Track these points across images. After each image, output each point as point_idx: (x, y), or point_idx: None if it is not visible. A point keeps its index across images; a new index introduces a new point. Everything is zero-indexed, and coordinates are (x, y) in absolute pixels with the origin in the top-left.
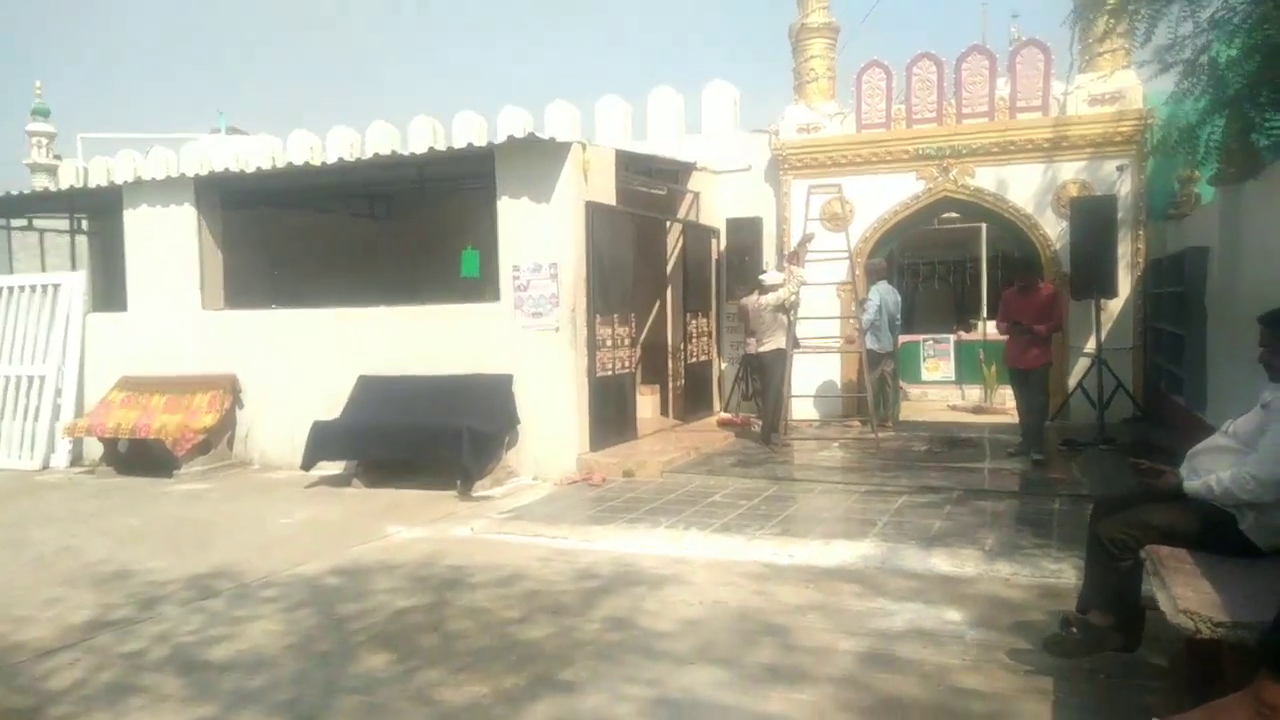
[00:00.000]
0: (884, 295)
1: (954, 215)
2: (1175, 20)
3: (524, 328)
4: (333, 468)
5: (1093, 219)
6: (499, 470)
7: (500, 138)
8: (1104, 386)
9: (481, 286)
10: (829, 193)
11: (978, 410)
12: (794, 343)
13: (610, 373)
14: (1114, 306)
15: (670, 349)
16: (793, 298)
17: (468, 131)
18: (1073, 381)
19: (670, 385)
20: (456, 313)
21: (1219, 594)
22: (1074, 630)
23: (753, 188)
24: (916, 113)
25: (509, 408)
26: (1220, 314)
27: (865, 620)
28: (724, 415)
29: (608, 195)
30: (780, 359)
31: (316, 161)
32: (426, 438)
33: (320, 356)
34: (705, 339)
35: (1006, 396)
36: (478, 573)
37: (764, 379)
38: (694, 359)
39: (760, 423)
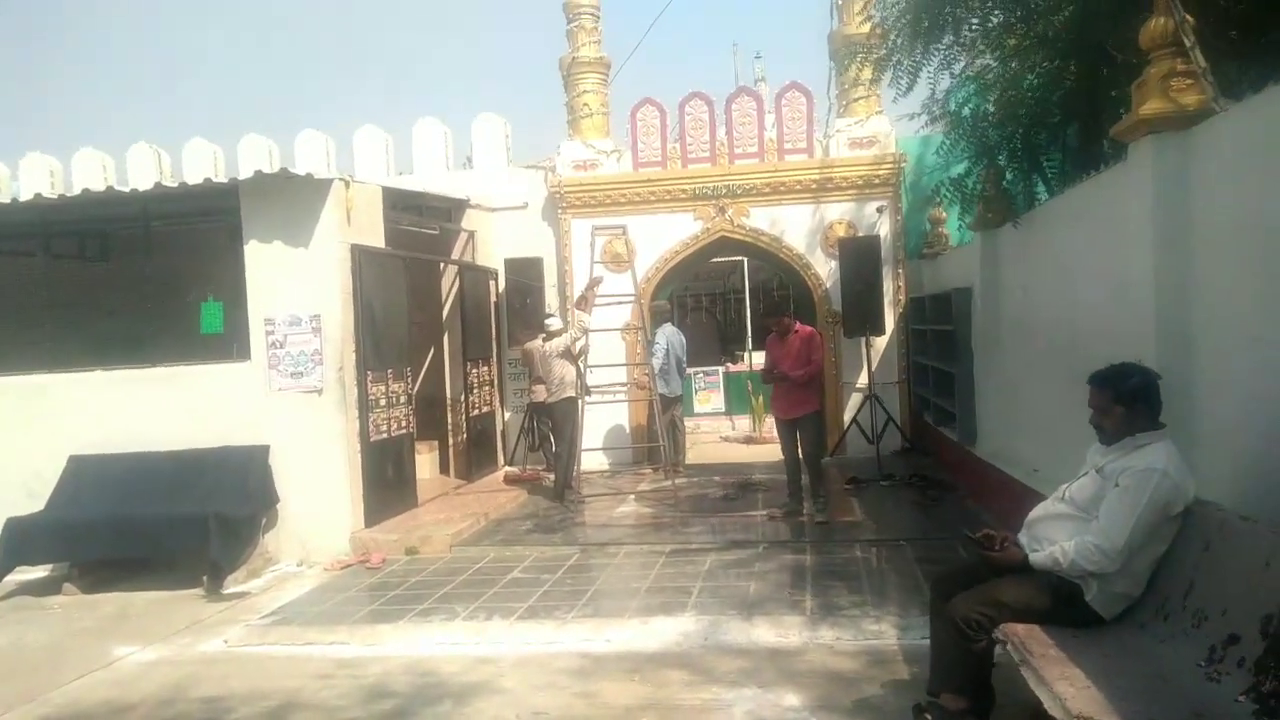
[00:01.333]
0: (670, 338)
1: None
2: (934, 73)
3: (281, 390)
4: (37, 570)
5: (859, 258)
6: (255, 558)
7: (241, 169)
8: (876, 421)
9: (227, 343)
10: (612, 233)
11: (749, 440)
12: (584, 390)
13: (386, 435)
14: (880, 343)
15: (449, 401)
16: (578, 345)
17: (201, 163)
18: (847, 417)
19: (451, 441)
20: (196, 375)
21: (1097, 686)
22: (929, 718)
23: (531, 226)
24: (691, 152)
25: (265, 485)
26: (985, 351)
27: (703, 718)
28: (511, 470)
29: (375, 236)
30: (572, 408)
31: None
32: (162, 528)
33: (15, 434)
34: (487, 388)
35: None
36: (239, 706)
37: (556, 430)
38: (476, 411)
39: (552, 477)
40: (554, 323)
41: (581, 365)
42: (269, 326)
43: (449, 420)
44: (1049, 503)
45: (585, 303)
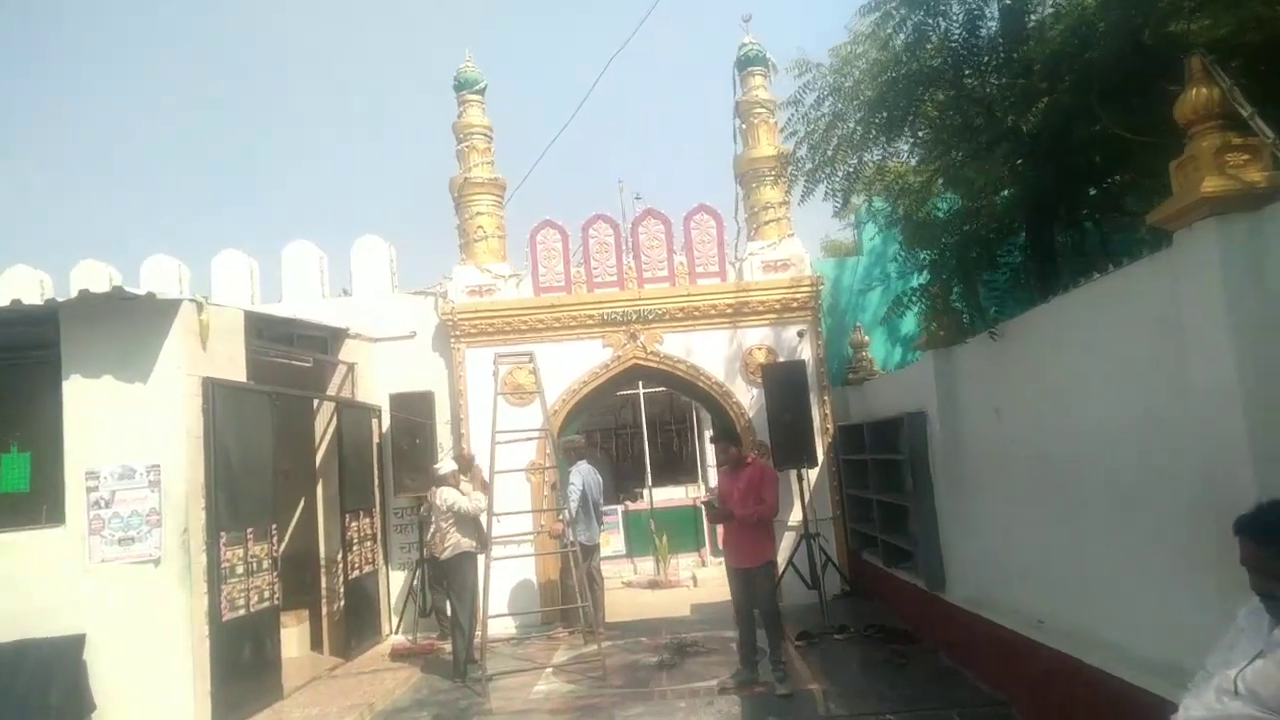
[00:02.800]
0: (586, 477)
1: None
2: (871, 181)
3: (104, 561)
4: None
5: (784, 385)
6: None
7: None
8: (815, 563)
9: (34, 505)
10: (516, 361)
11: (654, 585)
12: (485, 544)
13: (243, 611)
14: (810, 475)
15: (323, 561)
16: (475, 508)
17: (23, 291)
18: (782, 559)
19: (325, 609)
20: None
21: None
22: None
23: (420, 357)
24: (598, 276)
25: (75, 690)
26: (949, 483)
27: None
28: (400, 642)
29: (235, 369)
30: (469, 565)
31: None
32: None
33: None
34: (369, 544)
35: (680, 566)
36: None
37: (454, 593)
38: (356, 571)
39: (449, 648)
40: (445, 466)
41: (483, 518)
42: (91, 481)
43: (322, 584)
44: (1209, 699)
45: (478, 482)
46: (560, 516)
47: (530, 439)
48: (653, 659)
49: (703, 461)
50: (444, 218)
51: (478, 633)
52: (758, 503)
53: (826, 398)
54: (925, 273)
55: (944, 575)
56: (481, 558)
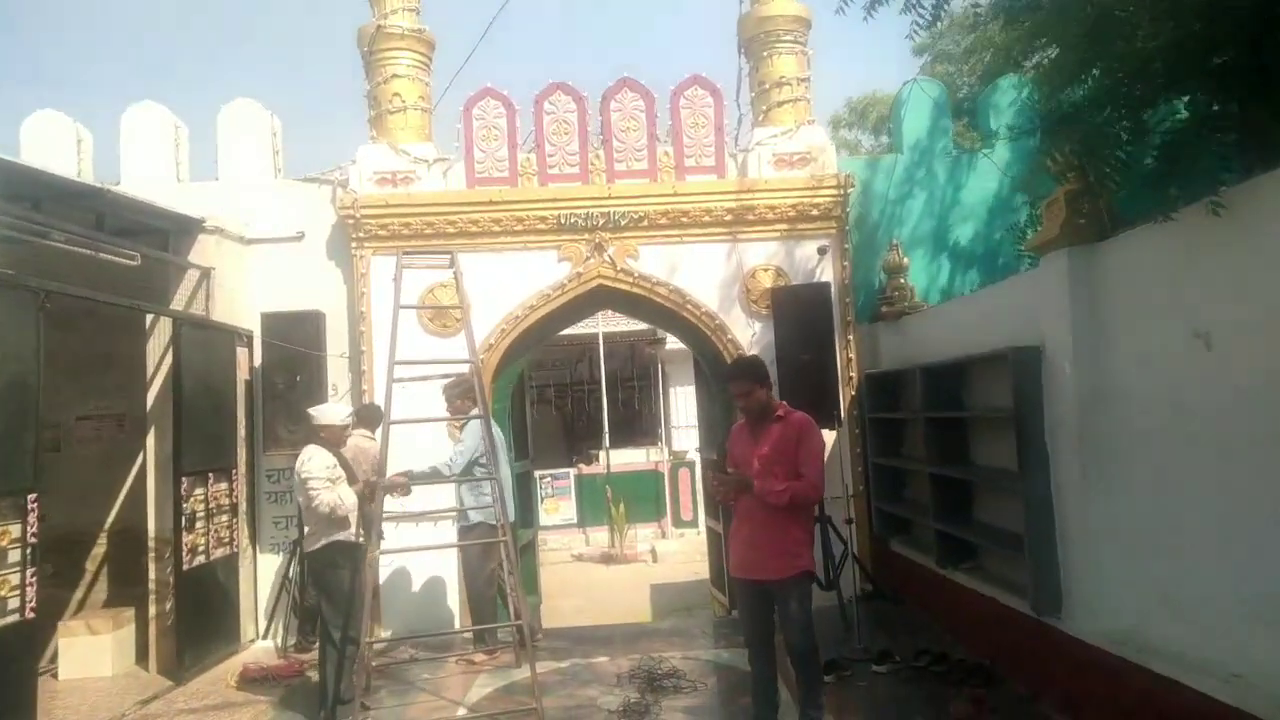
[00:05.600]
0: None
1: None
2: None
3: None
4: None
5: (801, 317)
6: None
7: None
8: (830, 554)
9: None
10: (427, 264)
11: (607, 560)
12: (370, 532)
13: None
14: (828, 439)
15: (151, 542)
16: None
17: None
18: None
19: (152, 609)
20: None
21: None
22: None
23: (308, 267)
24: (554, 166)
25: None
26: (1081, 453)
27: None
28: (251, 662)
29: None
30: (344, 560)
31: None
32: None
33: None
34: (224, 518)
35: (638, 538)
36: None
37: (324, 598)
38: (198, 557)
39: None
40: (327, 413)
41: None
42: None
43: (150, 574)
44: None
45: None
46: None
47: (447, 377)
48: (612, 697)
49: (667, 422)
50: (350, 94)
51: (363, 653)
52: (791, 475)
53: (850, 338)
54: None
55: (1060, 594)
56: (374, 551)
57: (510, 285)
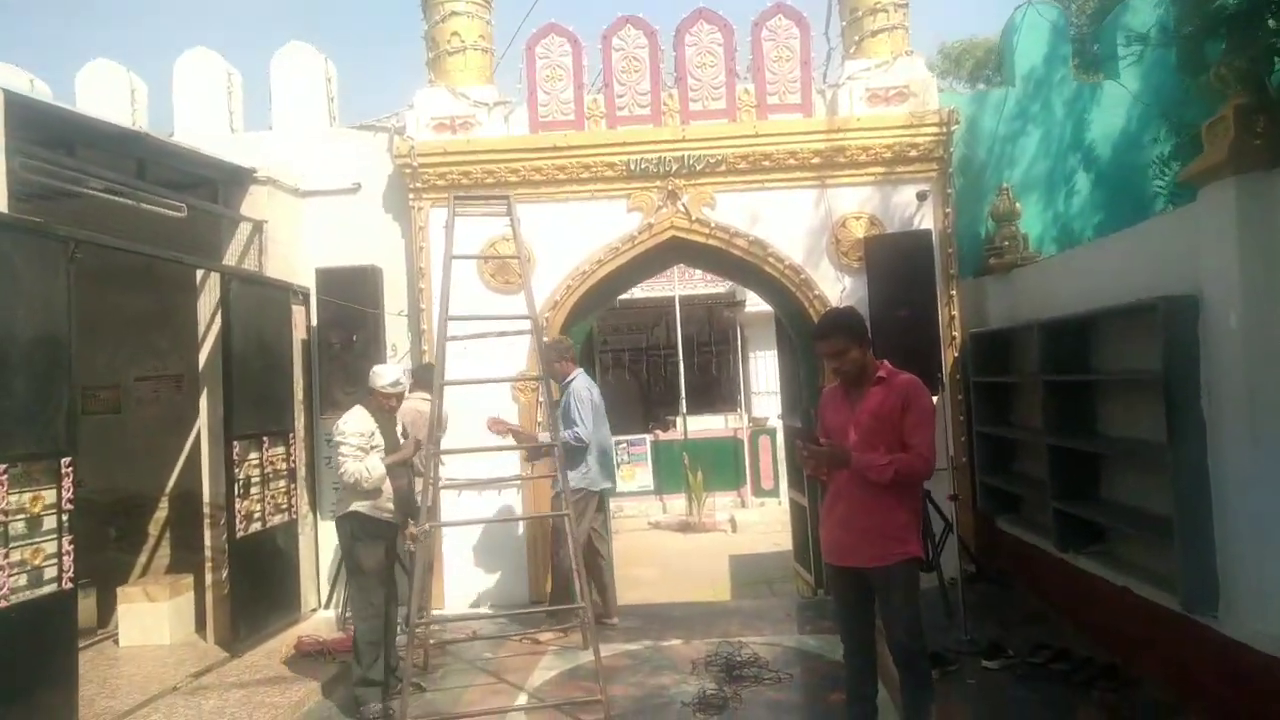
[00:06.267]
0: (593, 392)
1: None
2: None
3: None
4: None
5: (899, 269)
6: None
7: None
8: (930, 532)
9: None
10: (483, 211)
11: (685, 528)
12: (411, 506)
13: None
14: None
15: (206, 509)
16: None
17: None
18: None
19: (209, 578)
20: None
21: None
22: None
23: (365, 220)
24: (623, 108)
25: None
26: (1249, 422)
27: None
28: (308, 634)
29: None
30: (359, 533)
31: None
32: None
33: None
34: (281, 483)
35: (716, 506)
36: None
37: (347, 571)
38: (254, 523)
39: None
40: (377, 374)
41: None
42: None
43: (205, 542)
44: None
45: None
46: (548, 436)
47: (507, 335)
48: (687, 686)
49: (746, 388)
50: (410, 41)
51: (401, 638)
52: (895, 447)
53: (953, 293)
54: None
55: (1216, 587)
56: (415, 530)
57: (577, 238)
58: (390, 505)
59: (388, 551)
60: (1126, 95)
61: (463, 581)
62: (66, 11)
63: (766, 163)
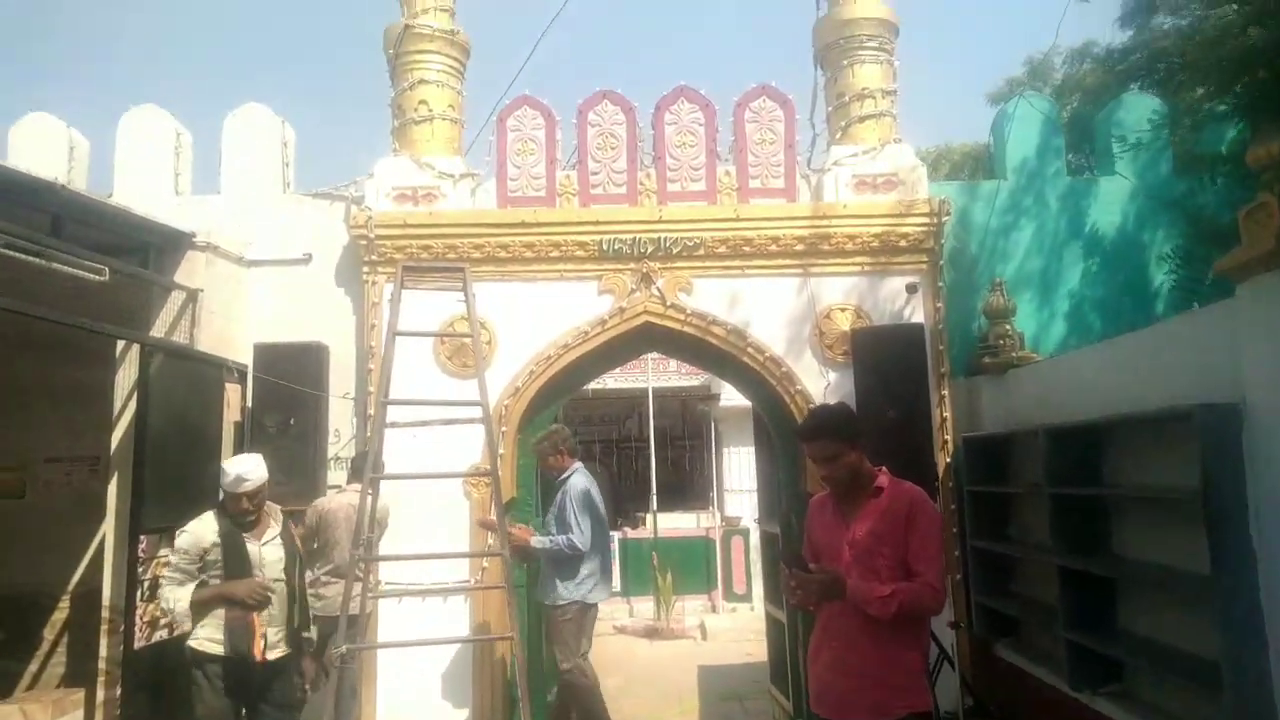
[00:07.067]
0: (591, 493)
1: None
2: None
3: None
4: None
5: (887, 364)
6: None
7: None
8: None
9: None
10: (434, 283)
11: (652, 634)
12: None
13: None
14: None
15: (105, 612)
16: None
17: None
18: None
19: (101, 693)
20: None
21: None
22: None
23: (315, 293)
24: (597, 185)
25: None
26: None
27: None
28: None
29: None
30: (187, 665)
31: None
32: None
33: None
34: None
35: (686, 611)
36: None
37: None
38: (162, 632)
39: None
40: (230, 468)
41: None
42: None
43: (100, 651)
44: None
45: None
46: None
47: (455, 423)
48: None
49: (719, 485)
50: (375, 106)
51: None
52: (898, 571)
53: (945, 393)
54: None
55: None
56: (334, 652)
57: (543, 320)
58: (220, 636)
59: (232, 691)
60: (1123, 191)
61: (400, 710)
62: (10, 62)
63: (747, 248)
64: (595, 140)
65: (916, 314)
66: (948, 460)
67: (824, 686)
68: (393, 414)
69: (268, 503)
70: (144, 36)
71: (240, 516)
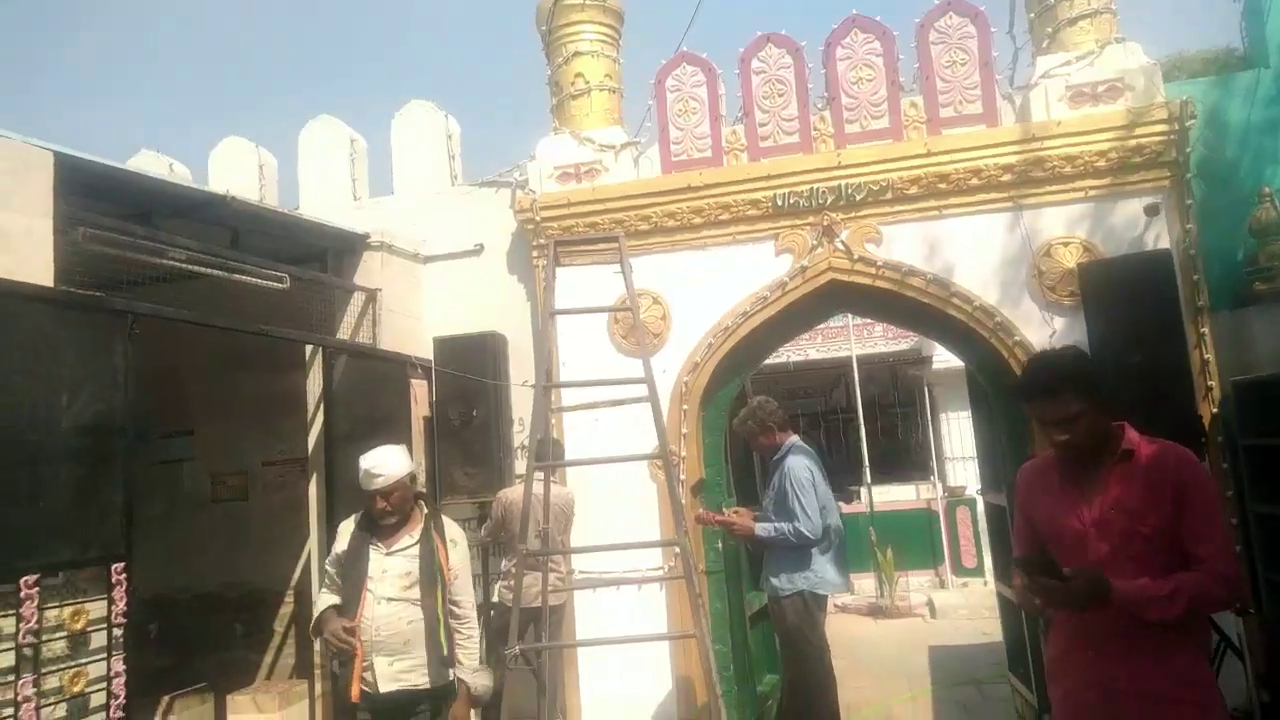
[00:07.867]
0: (814, 473)
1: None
2: None
3: None
4: None
5: (1126, 303)
6: None
7: None
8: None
9: None
10: (598, 262)
11: (876, 612)
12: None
13: None
14: None
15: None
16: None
17: None
18: None
19: (319, 685)
20: None
21: None
22: None
23: (487, 283)
24: (766, 136)
25: None
26: None
27: None
28: None
29: (32, 267)
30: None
31: None
32: None
33: None
34: None
35: (910, 586)
36: None
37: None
38: None
39: None
40: (361, 463)
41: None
42: None
43: (317, 644)
44: None
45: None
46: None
47: (623, 403)
48: None
49: (939, 454)
50: (532, 91)
51: None
52: (1166, 558)
53: (1204, 330)
54: None
55: None
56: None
57: (719, 289)
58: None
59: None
60: None
61: (603, 701)
62: (206, 93)
63: (943, 185)
64: (761, 89)
65: (1161, 240)
66: (1214, 410)
67: (1082, 710)
68: (566, 398)
69: (420, 503)
70: (317, 46)
71: (378, 518)
